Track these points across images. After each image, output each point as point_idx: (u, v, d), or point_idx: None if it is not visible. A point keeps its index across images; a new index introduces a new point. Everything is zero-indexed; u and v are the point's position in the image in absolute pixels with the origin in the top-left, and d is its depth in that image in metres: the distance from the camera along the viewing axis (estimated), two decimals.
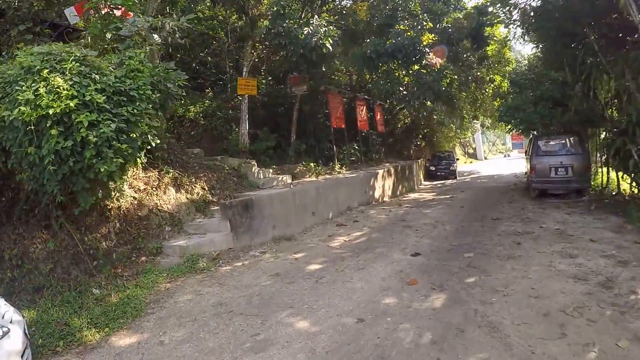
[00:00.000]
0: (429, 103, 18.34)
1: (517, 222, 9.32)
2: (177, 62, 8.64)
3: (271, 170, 13.12)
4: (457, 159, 27.36)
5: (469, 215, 10.56)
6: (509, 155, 55.67)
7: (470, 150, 52.20)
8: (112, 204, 7.18)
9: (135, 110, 5.93)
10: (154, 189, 8.36)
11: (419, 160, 23.06)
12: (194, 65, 18.95)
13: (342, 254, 7.55)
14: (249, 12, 13.86)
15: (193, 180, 9.82)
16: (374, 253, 7.46)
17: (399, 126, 24.95)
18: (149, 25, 8.20)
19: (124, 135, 5.76)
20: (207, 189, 9.95)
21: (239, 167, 11.76)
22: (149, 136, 6.32)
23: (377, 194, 13.97)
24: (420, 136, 27.12)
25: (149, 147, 6.68)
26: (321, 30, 12.58)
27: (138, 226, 7.54)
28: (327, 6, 16.42)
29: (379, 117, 20.03)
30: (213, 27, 16.80)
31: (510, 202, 12.62)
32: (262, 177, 12.05)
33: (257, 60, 16.01)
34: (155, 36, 8.40)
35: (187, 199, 9.06)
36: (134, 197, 7.76)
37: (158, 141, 6.87)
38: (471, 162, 44.22)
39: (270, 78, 15.97)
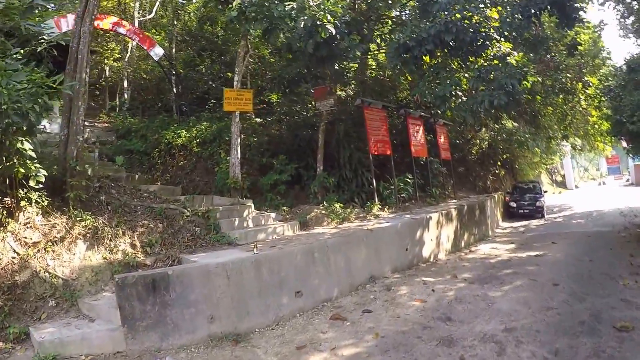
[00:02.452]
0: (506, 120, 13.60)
1: None
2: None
3: (272, 216, 9.49)
4: (545, 191, 20.99)
5: (570, 311, 5.74)
6: (604, 183, 49.04)
7: (559, 178, 45.50)
8: None
9: None
10: (53, 243, 6.16)
11: (496, 195, 17.61)
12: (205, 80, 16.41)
13: None
14: None
15: (120, 232, 6.85)
16: None
17: (473, 152, 19.95)
18: None
19: None
20: (139, 245, 6.91)
21: (215, 212, 8.50)
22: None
23: (426, 250, 9.42)
24: (499, 163, 21.63)
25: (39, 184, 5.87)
26: (310, 3, 8.72)
27: (9, 296, 5.52)
28: None
29: (442, 139, 15.54)
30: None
31: (633, 269, 7.74)
32: (250, 225, 8.73)
33: (253, 65, 12.72)
34: None
35: (104, 259, 6.48)
36: (16, 254, 5.78)
37: (42, 177, 5.83)
38: (560, 193, 37.01)
39: (287, 90, 12.39)
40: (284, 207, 10.66)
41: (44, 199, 6.39)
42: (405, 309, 6.15)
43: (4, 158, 5.73)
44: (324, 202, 10.70)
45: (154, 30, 20.16)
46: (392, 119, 14.30)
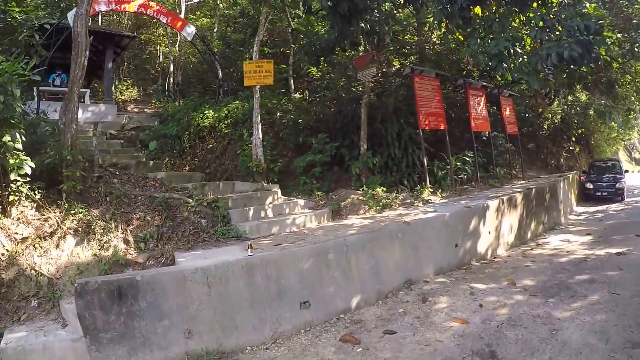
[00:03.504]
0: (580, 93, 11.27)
1: None
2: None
3: (301, 203, 8.53)
4: (626, 171, 17.53)
5: None
6: None
7: (637, 155, 41.04)
8: None
9: None
10: (42, 238, 5.80)
11: (570, 175, 14.84)
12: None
13: None
14: None
15: (113, 226, 6.28)
16: None
17: (544, 126, 17.34)
18: None
19: None
20: (132, 241, 6.30)
21: (226, 201, 7.61)
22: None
23: (482, 245, 7.69)
24: (573, 139, 18.70)
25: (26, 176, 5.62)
26: None
27: None
28: None
29: (507, 112, 13.32)
30: None
31: None
32: (269, 215, 7.77)
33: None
34: None
35: (94, 256, 5.96)
36: (5, 250, 5.50)
37: (29, 168, 5.61)
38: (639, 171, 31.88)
39: (322, 58, 11.01)
40: (319, 192, 9.50)
41: (37, 192, 6.10)
42: (439, 333, 4.70)
43: None
44: (364, 187, 9.34)
45: (199, 13, 19.68)
46: (449, 90, 12.41)
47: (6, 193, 5.76)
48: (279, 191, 9.06)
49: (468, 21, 8.41)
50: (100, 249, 6.02)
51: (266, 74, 9.51)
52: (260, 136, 9.64)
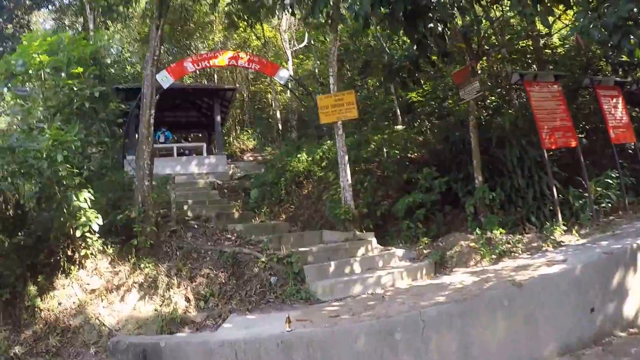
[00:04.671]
0: None
1: None
2: None
3: (399, 254, 7.74)
4: None
5: None
6: None
7: None
8: (48, 301, 5.95)
9: None
10: (110, 291, 6.27)
11: None
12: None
13: None
14: None
15: (176, 282, 6.48)
16: None
17: None
18: None
19: None
20: (193, 298, 6.29)
21: (304, 256, 7.08)
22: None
23: (630, 307, 5.53)
24: None
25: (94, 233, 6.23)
26: None
27: (61, 338, 5.72)
28: None
29: None
30: None
31: None
32: (356, 270, 6.99)
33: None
34: None
35: (155, 311, 6.10)
36: (78, 299, 6.05)
37: (96, 225, 6.18)
38: None
39: (405, 78, 9.80)
40: (424, 239, 8.32)
41: (110, 246, 6.68)
42: None
43: (63, 210, 6.14)
44: (478, 230, 7.84)
45: (301, 57, 20.12)
46: (572, 94, 10.16)
47: (80, 248, 6.32)
48: (374, 240, 8.17)
49: None
50: (161, 305, 6.11)
51: (348, 107, 8.87)
52: (349, 179, 8.95)
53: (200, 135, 20.79)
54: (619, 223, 7.90)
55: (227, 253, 6.93)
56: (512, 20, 11.63)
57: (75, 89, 7.99)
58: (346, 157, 8.97)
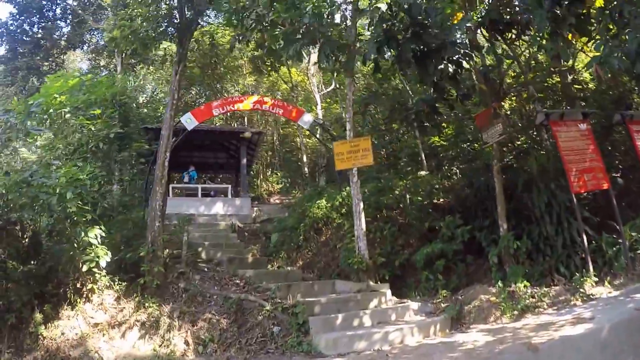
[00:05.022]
0: None
1: None
2: None
3: (414, 307, 7.57)
4: None
5: None
6: None
7: None
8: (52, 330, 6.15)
9: None
10: (112, 326, 6.50)
11: None
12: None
13: None
14: None
15: (178, 324, 6.62)
16: None
17: None
18: None
19: None
20: (193, 343, 6.38)
21: (310, 306, 6.90)
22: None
23: None
24: None
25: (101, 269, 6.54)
26: None
27: None
28: None
29: None
30: None
31: None
32: (366, 324, 6.75)
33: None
34: None
35: (154, 351, 6.25)
36: (80, 331, 6.26)
37: (107, 257, 6.52)
38: None
39: (420, 126, 9.55)
40: (443, 291, 7.90)
41: (116, 283, 6.92)
42: None
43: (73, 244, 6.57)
44: (500, 283, 7.38)
45: (328, 100, 20.33)
46: (605, 131, 9.63)
47: (87, 282, 6.63)
48: (388, 292, 7.93)
49: (584, 19, 6.24)
50: (160, 345, 6.26)
51: (364, 154, 8.80)
52: (364, 227, 8.76)
53: (229, 176, 21.11)
54: None
55: (232, 299, 6.91)
56: (540, 57, 11.31)
57: (93, 129, 8.31)
58: (361, 205, 8.83)
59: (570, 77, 10.56)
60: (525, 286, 7.15)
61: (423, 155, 12.68)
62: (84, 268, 6.35)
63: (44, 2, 19.52)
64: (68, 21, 20.53)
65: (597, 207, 8.48)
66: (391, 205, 10.52)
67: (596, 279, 7.15)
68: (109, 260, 6.58)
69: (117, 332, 6.38)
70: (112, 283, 6.83)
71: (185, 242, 8.47)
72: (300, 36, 7.38)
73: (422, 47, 6.68)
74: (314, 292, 7.81)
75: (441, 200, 10.75)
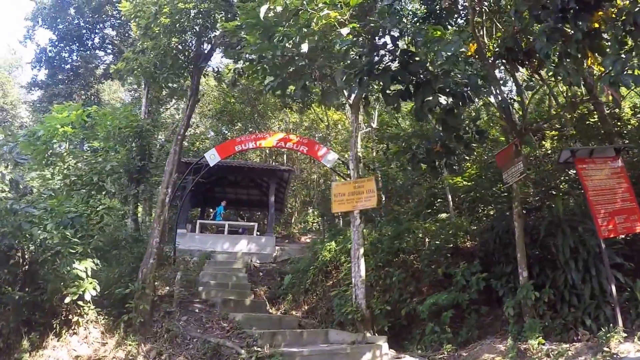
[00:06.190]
0: None
1: None
2: None
3: None
4: None
5: None
6: None
7: None
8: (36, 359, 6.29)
9: None
10: None
11: None
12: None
13: None
14: None
15: None
16: None
17: None
18: None
19: None
20: None
21: (294, 357, 6.57)
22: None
23: None
24: None
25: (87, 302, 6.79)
26: None
27: None
28: None
29: None
30: None
31: None
32: None
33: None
34: None
35: None
36: None
37: (93, 290, 6.65)
38: None
39: (433, 167, 8.90)
40: (448, 346, 7.25)
41: (103, 317, 7.11)
42: None
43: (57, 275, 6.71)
44: (521, 337, 6.71)
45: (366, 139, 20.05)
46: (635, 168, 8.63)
47: (74, 314, 6.81)
48: (385, 345, 7.35)
49: (593, 36, 5.53)
50: None
51: (368, 195, 8.48)
52: (363, 274, 8.34)
53: (260, 214, 21.14)
54: None
55: (211, 344, 6.84)
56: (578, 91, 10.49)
57: (93, 162, 8.56)
58: (361, 250, 8.49)
59: (608, 111, 9.66)
60: (540, 343, 6.37)
61: (450, 197, 11.96)
62: (67, 300, 6.51)
63: (84, 31, 20.16)
64: (108, 50, 21.27)
65: (634, 251, 7.63)
66: (408, 249, 9.94)
67: (625, 335, 6.21)
68: (94, 294, 6.70)
69: None
70: (98, 317, 7.00)
71: (178, 281, 8.40)
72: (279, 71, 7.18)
73: (413, 78, 6.29)
74: (301, 342, 7.48)
75: (467, 244, 10.05)
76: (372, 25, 6.48)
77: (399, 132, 13.44)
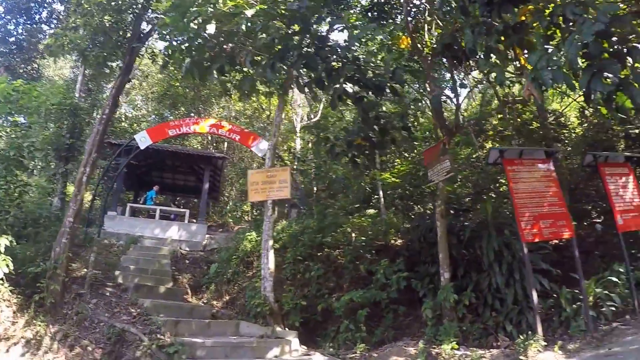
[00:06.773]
0: None
1: None
2: None
3: None
4: None
5: None
6: None
7: None
8: None
9: None
10: (0, 340, 6.48)
11: None
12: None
13: None
14: None
15: (56, 347, 6.55)
16: None
17: None
18: None
19: None
20: None
21: (192, 348, 6.24)
22: None
23: None
24: None
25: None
26: None
27: None
28: None
29: None
30: None
31: None
32: None
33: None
34: None
35: None
36: None
37: (6, 268, 6.60)
38: None
39: (355, 159, 8.64)
40: (361, 345, 7.00)
41: (14, 296, 6.92)
42: None
43: None
44: (437, 338, 6.52)
45: (303, 132, 19.75)
46: (567, 173, 8.73)
47: None
48: (295, 341, 7.15)
49: (520, 29, 5.34)
50: None
51: (280, 186, 8.29)
52: (271, 266, 8.13)
53: (195, 200, 20.39)
54: (622, 334, 6.01)
55: (117, 329, 6.71)
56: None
57: (13, 136, 8.24)
58: (270, 242, 8.31)
59: (551, 118, 9.69)
60: (453, 348, 6.21)
61: (381, 193, 11.75)
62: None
63: (32, 4, 18.83)
64: (53, 25, 20.08)
65: (557, 259, 7.68)
66: (333, 244, 9.65)
67: (545, 343, 6.09)
68: (7, 271, 6.61)
69: (3, 345, 6.37)
70: (11, 296, 6.86)
71: (91, 263, 7.95)
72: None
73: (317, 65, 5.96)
74: (208, 332, 7.14)
75: (398, 242, 9.87)
76: (284, 9, 6.13)
77: (328, 123, 13.23)
